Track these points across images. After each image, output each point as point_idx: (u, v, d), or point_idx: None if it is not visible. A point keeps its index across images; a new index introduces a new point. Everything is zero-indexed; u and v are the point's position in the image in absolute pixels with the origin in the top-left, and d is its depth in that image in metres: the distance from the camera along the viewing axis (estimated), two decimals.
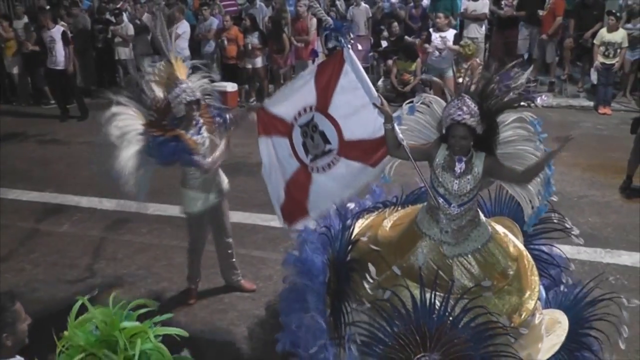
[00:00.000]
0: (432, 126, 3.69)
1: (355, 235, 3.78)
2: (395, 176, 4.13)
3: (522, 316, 3.34)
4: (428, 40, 10.27)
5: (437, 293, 3.18)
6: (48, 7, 12.71)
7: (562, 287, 3.78)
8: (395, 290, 3.24)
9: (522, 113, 3.30)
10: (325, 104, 4.07)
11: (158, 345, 1.82)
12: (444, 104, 3.50)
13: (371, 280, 3.40)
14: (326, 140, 4.13)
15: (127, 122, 4.42)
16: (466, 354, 3.05)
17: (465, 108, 3.19)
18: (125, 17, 11.99)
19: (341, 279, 3.53)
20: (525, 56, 11.56)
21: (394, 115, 3.65)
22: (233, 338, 4.70)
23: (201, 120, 4.62)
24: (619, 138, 8.58)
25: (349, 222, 3.78)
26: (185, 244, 5.12)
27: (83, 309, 1.90)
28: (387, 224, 3.81)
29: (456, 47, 9.95)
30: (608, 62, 9.89)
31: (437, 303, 3.15)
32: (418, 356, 3.06)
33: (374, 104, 3.70)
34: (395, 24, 11.19)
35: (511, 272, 3.45)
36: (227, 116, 4.82)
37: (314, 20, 10.87)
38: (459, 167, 3.31)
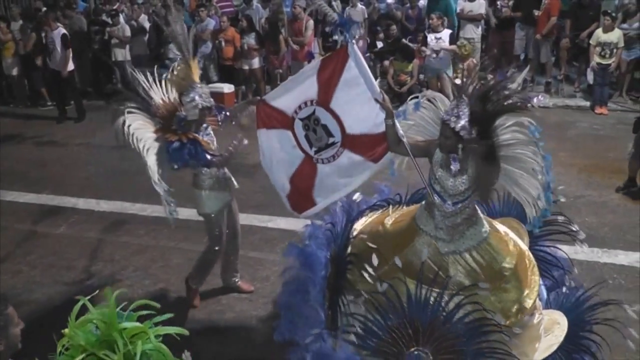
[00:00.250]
0: (436, 123, 3.73)
1: (356, 232, 3.84)
2: (403, 174, 4.17)
3: (519, 314, 3.35)
4: (424, 43, 10.35)
5: (432, 289, 3.21)
6: (45, 8, 12.72)
7: (564, 289, 3.79)
8: (392, 284, 3.27)
9: (520, 117, 3.29)
10: (327, 98, 4.12)
11: (159, 346, 1.82)
12: (448, 102, 3.57)
13: (371, 272, 3.44)
14: (329, 134, 4.20)
15: (141, 130, 4.44)
16: (458, 349, 3.09)
17: (455, 110, 3.26)
18: (121, 18, 11.95)
19: (340, 272, 3.59)
20: (522, 56, 11.61)
21: (399, 110, 3.70)
22: (231, 339, 4.70)
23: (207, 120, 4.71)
24: (616, 138, 8.61)
25: (350, 218, 3.86)
26: (182, 245, 5.13)
27: (84, 309, 1.89)
28: (389, 221, 3.84)
29: (452, 47, 9.99)
30: (604, 62, 9.90)
31: (432, 299, 3.18)
32: (410, 350, 3.11)
33: (376, 100, 3.77)
34: (394, 26, 11.19)
35: (507, 272, 3.45)
36: (226, 112, 4.87)
37: (310, 22, 10.89)
38: (454, 165, 3.36)
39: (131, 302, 1.95)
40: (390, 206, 4.20)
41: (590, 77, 10.31)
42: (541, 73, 11.26)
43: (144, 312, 1.89)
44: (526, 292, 3.45)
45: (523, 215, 3.82)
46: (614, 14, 10.04)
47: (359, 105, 4.02)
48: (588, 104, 10.44)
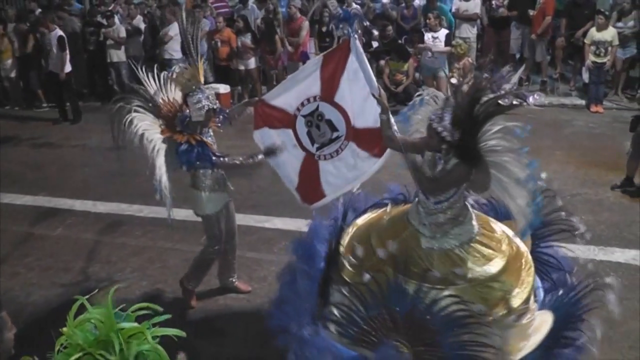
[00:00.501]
0: None
1: (352, 226, 3.91)
2: (406, 174, 4.19)
3: (504, 312, 3.31)
4: (421, 41, 10.41)
5: (413, 282, 3.26)
6: (39, 10, 12.69)
7: (560, 291, 3.76)
8: (375, 276, 3.29)
9: (506, 123, 3.26)
10: (332, 92, 4.17)
11: (155, 347, 1.81)
12: None
13: (354, 262, 3.50)
14: (333, 128, 4.24)
15: (150, 131, 4.43)
16: (434, 340, 3.11)
17: (440, 111, 3.30)
18: (117, 19, 11.95)
19: (331, 264, 3.63)
20: (517, 56, 11.63)
21: (409, 104, 3.76)
22: (228, 339, 4.70)
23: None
24: (611, 136, 8.64)
25: (346, 211, 3.93)
26: (179, 246, 5.13)
27: (82, 309, 1.89)
28: (388, 214, 3.88)
29: (446, 48, 10.03)
30: (599, 60, 9.92)
31: (411, 291, 3.22)
32: (387, 340, 3.15)
33: (372, 94, 3.82)
34: (390, 27, 11.19)
35: (493, 271, 3.42)
36: (225, 114, 4.87)
37: (306, 22, 10.89)
38: (439, 165, 3.39)
39: (129, 303, 1.96)
40: (390, 205, 4.21)
41: (585, 75, 10.32)
42: (537, 72, 11.30)
43: (143, 313, 1.89)
44: (515, 291, 3.41)
45: None
46: (607, 13, 10.07)
47: (361, 99, 4.07)
48: (583, 102, 10.46)
